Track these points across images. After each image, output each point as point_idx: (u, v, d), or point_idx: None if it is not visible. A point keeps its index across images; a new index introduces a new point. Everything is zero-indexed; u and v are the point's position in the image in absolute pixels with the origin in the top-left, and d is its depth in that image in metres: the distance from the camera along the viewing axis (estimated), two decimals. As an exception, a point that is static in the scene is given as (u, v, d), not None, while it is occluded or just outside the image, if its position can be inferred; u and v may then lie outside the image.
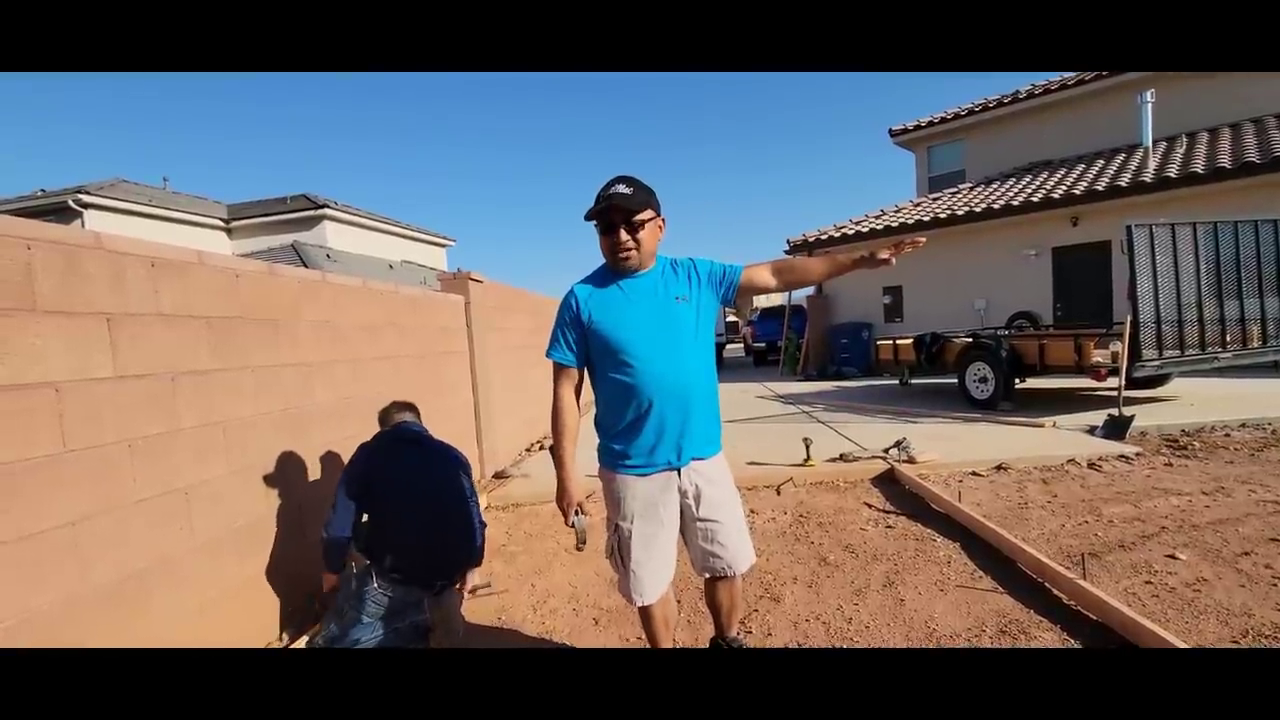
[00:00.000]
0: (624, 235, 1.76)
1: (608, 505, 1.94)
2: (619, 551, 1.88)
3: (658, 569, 1.87)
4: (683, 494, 1.87)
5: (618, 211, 1.75)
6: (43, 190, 17.37)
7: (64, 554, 1.78)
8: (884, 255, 1.82)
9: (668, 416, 1.80)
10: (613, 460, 1.88)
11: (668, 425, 1.81)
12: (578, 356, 1.87)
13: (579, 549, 1.85)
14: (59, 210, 15.83)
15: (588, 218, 1.79)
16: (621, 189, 1.75)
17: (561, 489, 1.87)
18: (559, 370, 1.89)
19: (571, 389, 1.90)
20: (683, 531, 1.96)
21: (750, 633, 2.49)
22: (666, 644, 2.02)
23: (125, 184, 18.19)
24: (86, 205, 15.81)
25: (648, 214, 1.79)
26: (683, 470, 1.86)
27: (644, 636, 2.10)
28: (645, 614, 1.95)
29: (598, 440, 1.93)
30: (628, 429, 1.83)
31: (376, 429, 2.67)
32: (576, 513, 1.86)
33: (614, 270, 1.85)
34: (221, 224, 19.66)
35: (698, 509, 1.88)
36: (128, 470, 1.99)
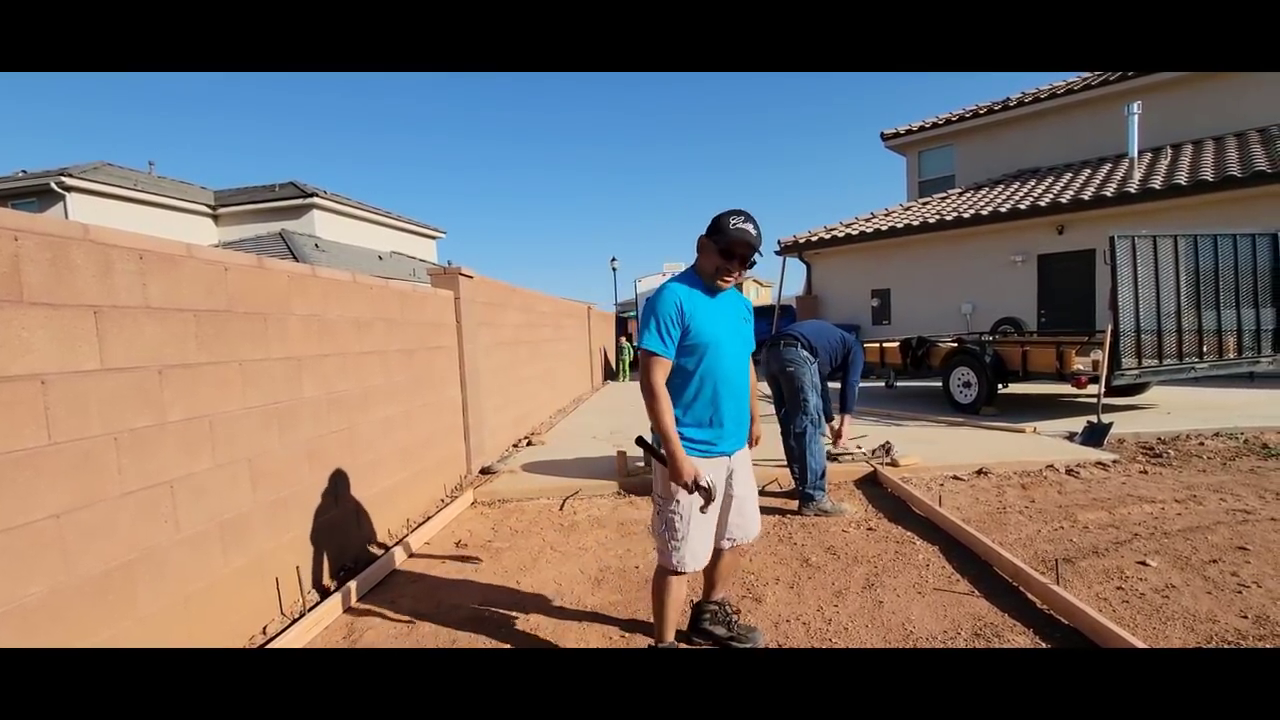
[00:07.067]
0: (740, 270, 2.11)
1: (665, 484, 2.10)
2: (677, 523, 2.07)
3: (706, 541, 2.14)
4: (729, 474, 2.18)
5: (750, 253, 2.08)
6: (24, 171, 17.05)
7: (49, 545, 1.78)
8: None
9: (735, 408, 2.15)
10: (683, 444, 2.06)
11: (733, 416, 2.15)
12: (672, 350, 2.06)
13: (703, 510, 2.03)
14: (41, 193, 15.55)
15: (728, 245, 2.04)
16: (758, 237, 2.07)
17: (681, 465, 1.99)
18: (657, 362, 2.03)
19: (665, 379, 2.06)
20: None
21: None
22: (675, 620, 2.21)
23: (110, 167, 17.90)
24: (69, 189, 15.53)
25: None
26: (731, 456, 2.18)
27: (653, 616, 2.22)
28: (675, 585, 2.14)
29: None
30: (704, 416, 2.09)
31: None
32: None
33: (705, 283, 2.13)
34: (208, 210, 19.41)
35: (734, 486, 2.20)
36: (113, 463, 1.99)
